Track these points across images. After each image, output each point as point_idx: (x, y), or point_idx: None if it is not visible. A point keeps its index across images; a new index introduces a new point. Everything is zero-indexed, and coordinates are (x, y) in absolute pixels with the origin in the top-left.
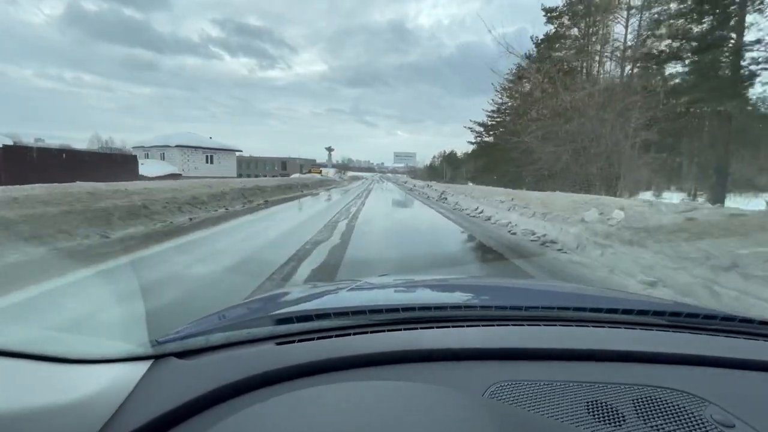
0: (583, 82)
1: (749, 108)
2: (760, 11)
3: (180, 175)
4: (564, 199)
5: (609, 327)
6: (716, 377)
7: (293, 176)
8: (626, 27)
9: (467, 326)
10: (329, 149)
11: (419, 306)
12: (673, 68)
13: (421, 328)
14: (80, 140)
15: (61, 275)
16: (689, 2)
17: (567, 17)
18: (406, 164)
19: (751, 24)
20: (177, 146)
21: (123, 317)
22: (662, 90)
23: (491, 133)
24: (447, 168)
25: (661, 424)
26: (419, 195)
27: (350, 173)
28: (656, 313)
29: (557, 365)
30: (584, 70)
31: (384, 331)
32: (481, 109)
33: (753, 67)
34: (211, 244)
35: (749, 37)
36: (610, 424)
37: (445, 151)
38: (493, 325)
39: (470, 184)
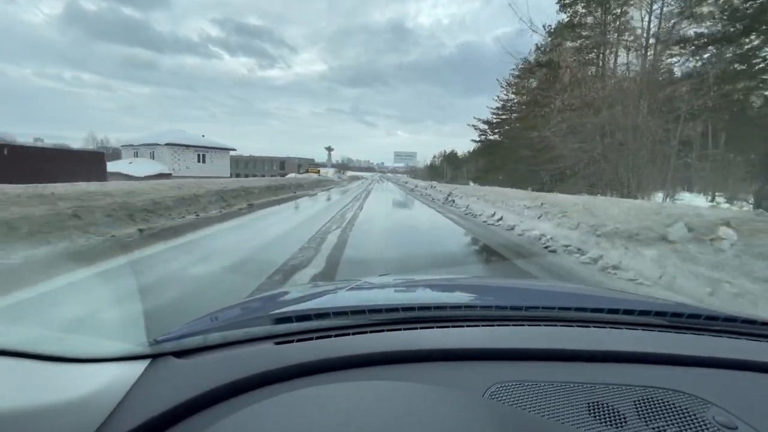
0: (606, 72)
1: None
2: None
3: (170, 174)
4: (615, 206)
5: (610, 327)
6: (718, 378)
7: (289, 176)
8: (650, 12)
9: (467, 326)
10: (329, 149)
11: (419, 306)
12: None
13: (421, 328)
14: (80, 140)
15: None
16: None
17: (582, 4)
18: (407, 164)
19: None
20: (167, 144)
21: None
22: (712, 74)
23: (496, 131)
24: (447, 168)
25: (663, 426)
26: (422, 197)
27: (350, 173)
28: (658, 314)
29: (558, 366)
30: (601, 62)
31: (383, 331)
32: (486, 107)
33: None
34: (148, 271)
35: None
36: (611, 425)
37: (445, 151)
38: (493, 325)
39: (472, 184)
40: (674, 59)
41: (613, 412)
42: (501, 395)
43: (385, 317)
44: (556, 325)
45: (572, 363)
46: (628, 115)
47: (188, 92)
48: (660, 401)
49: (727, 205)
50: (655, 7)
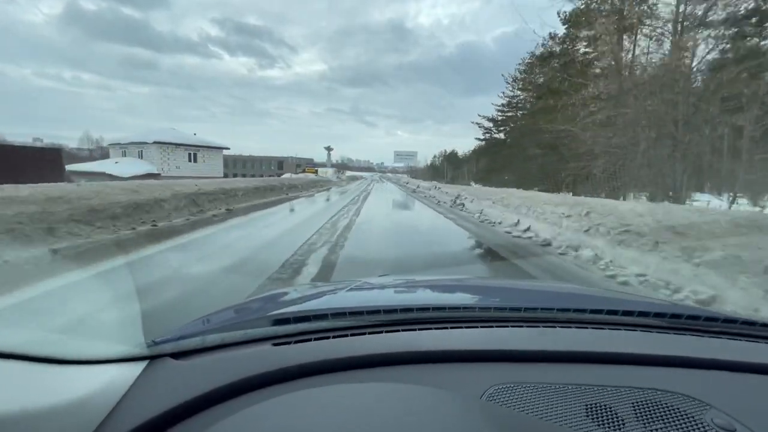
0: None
1: None
2: None
3: (159, 175)
4: (716, 222)
5: (609, 329)
6: (718, 380)
7: (284, 176)
8: None
9: (466, 327)
10: (328, 149)
11: (418, 307)
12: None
13: (420, 330)
14: (76, 140)
15: None
16: None
17: None
18: (407, 164)
19: None
20: (155, 143)
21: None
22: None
23: (502, 128)
24: (448, 168)
25: (661, 428)
26: (426, 199)
27: (349, 173)
28: (657, 315)
29: (556, 367)
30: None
31: (382, 332)
32: (489, 104)
33: None
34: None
35: None
36: (609, 427)
37: (445, 151)
38: (492, 327)
39: (474, 184)
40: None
41: (612, 415)
42: (499, 397)
43: (384, 318)
44: (555, 327)
45: (571, 365)
46: (679, 104)
47: (188, 92)
48: (658, 403)
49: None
50: None
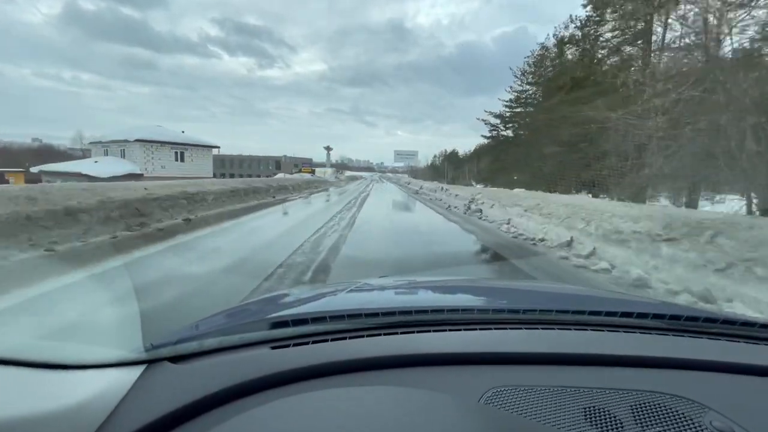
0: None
1: None
2: None
3: (141, 175)
4: None
5: (608, 331)
6: (716, 382)
7: (277, 176)
8: None
9: (464, 330)
10: (327, 149)
11: (416, 309)
12: None
13: (418, 332)
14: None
15: None
16: None
17: None
18: (407, 163)
19: None
20: (137, 141)
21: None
22: None
23: (510, 125)
24: (449, 168)
25: (660, 431)
26: (432, 203)
27: (348, 173)
28: (656, 317)
29: (554, 370)
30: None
31: (380, 335)
32: (495, 101)
33: None
34: None
35: None
36: (607, 430)
37: (446, 150)
38: (490, 329)
39: (475, 184)
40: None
41: (610, 417)
42: (496, 400)
43: (383, 321)
44: (554, 329)
45: (569, 367)
46: None
47: (188, 92)
48: (657, 406)
49: None
50: None
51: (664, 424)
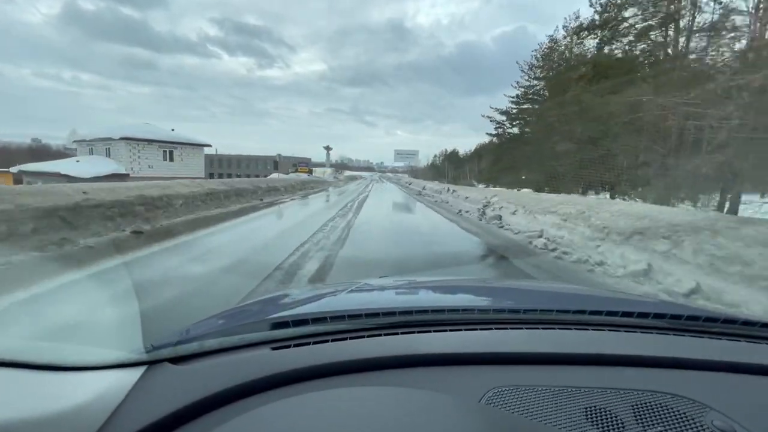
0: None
1: None
2: None
3: (127, 175)
4: None
5: (609, 330)
6: (717, 382)
7: (271, 176)
8: None
9: (465, 330)
10: (327, 148)
11: (416, 309)
12: None
13: (419, 332)
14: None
15: None
16: None
17: None
18: (407, 163)
19: None
20: (122, 139)
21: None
22: None
23: (516, 122)
24: (449, 167)
25: (661, 431)
26: (438, 206)
27: (348, 173)
28: (657, 316)
29: (555, 370)
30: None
31: (381, 335)
32: (503, 95)
33: None
34: None
35: None
36: (608, 430)
37: (446, 150)
38: (491, 329)
39: (477, 184)
40: None
41: (611, 417)
42: (497, 401)
43: (383, 321)
44: (554, 328)
45: (570, 367)
46: None
47: (188, 92)
48: (658, 405)
49: None
50: None
51: (666, 423)
